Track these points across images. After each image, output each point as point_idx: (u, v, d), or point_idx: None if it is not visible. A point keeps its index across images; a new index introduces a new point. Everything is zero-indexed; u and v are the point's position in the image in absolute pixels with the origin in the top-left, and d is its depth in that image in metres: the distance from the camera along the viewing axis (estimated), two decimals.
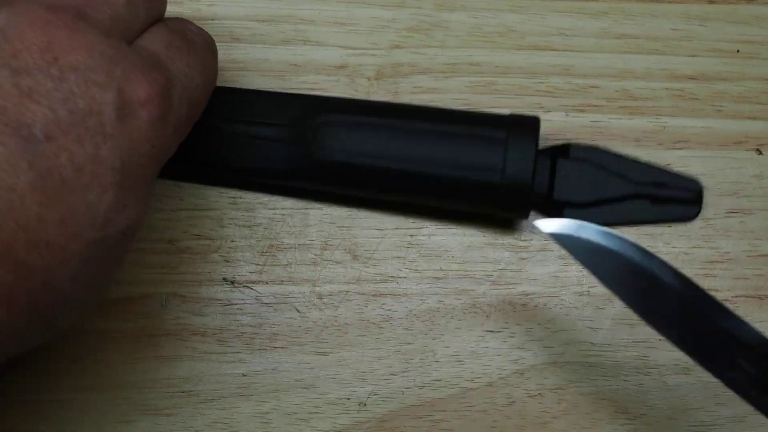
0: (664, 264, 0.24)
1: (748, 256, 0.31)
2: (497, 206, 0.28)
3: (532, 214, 0.30)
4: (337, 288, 0.30)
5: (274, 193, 0.31)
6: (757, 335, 0.23)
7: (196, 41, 0.25)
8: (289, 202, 0.31)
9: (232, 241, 0.30)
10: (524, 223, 0.31)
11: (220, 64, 0.32)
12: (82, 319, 0.22)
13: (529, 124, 0.28)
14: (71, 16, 0.21)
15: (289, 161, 0.29)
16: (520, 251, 0.30)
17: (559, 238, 0.25)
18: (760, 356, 0.23)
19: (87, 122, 0.20)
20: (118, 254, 0.22)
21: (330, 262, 0.30)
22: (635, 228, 0.31)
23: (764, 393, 0.23)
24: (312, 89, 0.32)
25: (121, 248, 0.22)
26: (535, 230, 0.27)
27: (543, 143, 0.30)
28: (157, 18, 0.25)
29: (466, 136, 0.28)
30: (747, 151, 0.32)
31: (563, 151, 0.30)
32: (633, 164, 0.31)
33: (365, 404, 0.29)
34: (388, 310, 0.30)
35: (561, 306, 0.30)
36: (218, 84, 0.32)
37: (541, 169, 0.29)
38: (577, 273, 0.30)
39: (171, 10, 0.32)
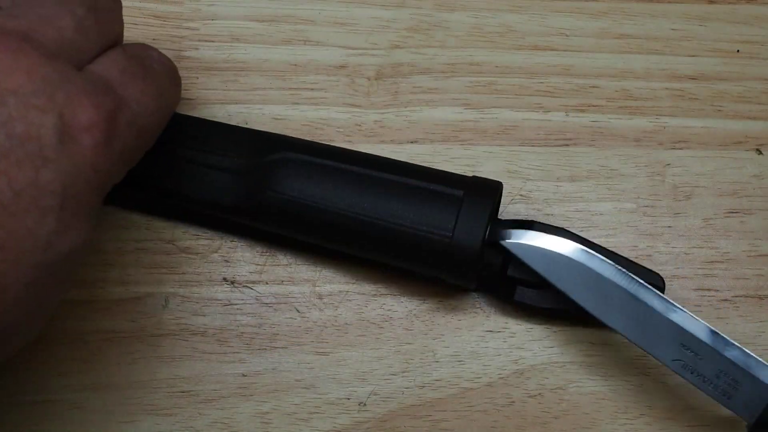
0: (606, 262, 0.26)
1: (748, 256, 0.31)
2: (444, 268, 0.27)
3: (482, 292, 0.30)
4: (337, 288, 0.30)
5: (223, 230, 0.30)
6: (699, 324, 0.25)
7: (155, 68, 0.25)
8: None
9: (232, 241, 0.30)
10: None
11: (220, 65, 0.32)
12: (32, 338, 0.22)
13: (490, 188, 0.27)
14: (15, 39, 0.20)
15: (239, 195, 0.28)
16: None
17: (511, 246, 0.27)
18: (702, 343, 0.25)
19: (26, 146, 0.19)
20: (62, 278, 0.21)
21: (330, 262, 0.30)
22: (633, 227, 0.31)
23: (708, 376, 0.25)
24: (312, 89, 0.32)
25: (65, 272, 0.21)
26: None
27: (541, 151, 0.30)
28: (114, 41, 0.24)
29: (423, 190, 0.27)
30: (747, 151, 0.32)
31: (527, 226, 0.28)
32: (597, 251, 0.28)
33: (365, 404, 0.29)
34: (388, 310, 0.30)
35: None
36: (218, 84, 0.32)
37: (498, 238, 0.27)
38: None
39: (171, 10, 0.33)
